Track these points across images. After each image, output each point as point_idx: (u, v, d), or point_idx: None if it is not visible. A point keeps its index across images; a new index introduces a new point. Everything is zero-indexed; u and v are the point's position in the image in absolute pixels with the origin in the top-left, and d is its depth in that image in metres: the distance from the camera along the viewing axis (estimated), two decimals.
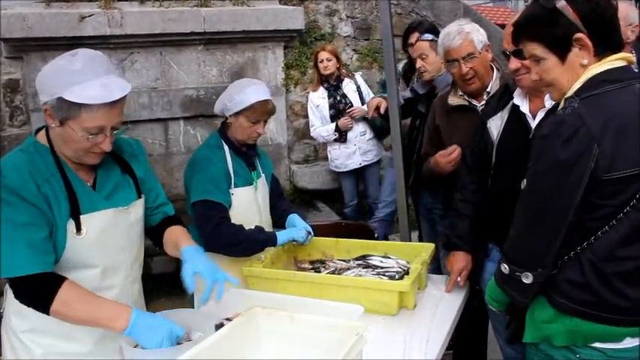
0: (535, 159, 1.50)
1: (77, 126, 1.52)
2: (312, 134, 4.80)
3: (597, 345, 1.52)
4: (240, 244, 2.25)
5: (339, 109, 4.58)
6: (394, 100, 2.77)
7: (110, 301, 1.61)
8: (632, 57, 1.54)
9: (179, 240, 1.83)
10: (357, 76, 4.78)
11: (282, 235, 2.34)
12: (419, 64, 3.48)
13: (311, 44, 5.29)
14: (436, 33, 3.67)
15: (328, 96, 4.61)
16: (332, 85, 4.61)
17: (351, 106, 4.56)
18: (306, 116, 5.36)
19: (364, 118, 4.50)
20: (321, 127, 4.63)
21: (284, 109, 5.17)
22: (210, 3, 4.78)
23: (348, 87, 4.63)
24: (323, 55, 4.54)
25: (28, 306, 1.56)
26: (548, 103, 1.98)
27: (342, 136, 4.57)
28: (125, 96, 1.55)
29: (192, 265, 1.71)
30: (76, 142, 1.56)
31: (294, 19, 4.93)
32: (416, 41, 3.70)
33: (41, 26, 4.20)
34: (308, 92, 5.32)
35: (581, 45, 1.49)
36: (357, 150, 4.60)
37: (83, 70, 1.49)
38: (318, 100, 4.64)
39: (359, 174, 4.75)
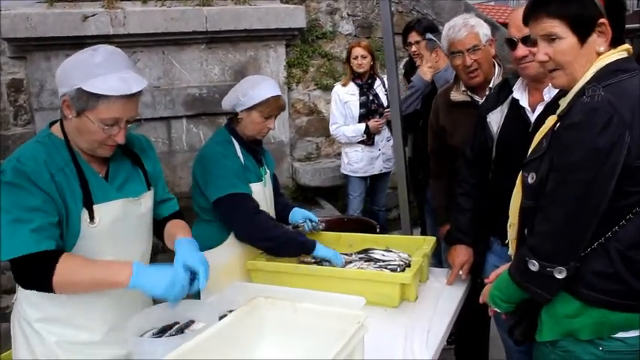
0: (566, 149, 1.46)
1: (94, 117, 1.58)
2: (332, 132, 4.48)
3: (620, 335, 1.52)
4: (276, 239, 2.24)
5: (370, 109, 4.31)
6: (395, 94, 2.80)
7: (109, 260, 1.64)
8: (631, 48, 1.55)
9: (176, 232, 1.84)
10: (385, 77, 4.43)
11: (321, 249, 2.28)
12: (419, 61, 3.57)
13: (312, 43, 5.32)
14: (435, 31, 3.72)
15: (360, 94, 4.33)
16: (365, 82, 4.34)
17: (383, 107, 4.29)
18: (309, 114, 5.40)
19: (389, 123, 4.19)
20: (346, 127, 4.33)
21: (286, 107, 5.19)
22: (213, 2, 4.81)
23: (380, 87, 4.36)
24: (357, 51, 4.28)
25: (31, 288, 1.59)
26: (547, 96, 2.00)
27: (370, 138, 4.31)
28: (141, 91, 1.62)
29: (182, 256, 1.67)
30: (91, 133, 1.61)
31: (295, 17, 4.95)
32: (416, 41, 3.76)
33: (45, 26, 4.23)
34: (310, 90, 5.36)
35: (601, 31, 1.49)
36: (380, 155, 4.36)
37: (103, 63, 1.56)
38: (347, 96, 4.35)
39: (370, 180, 4.50)
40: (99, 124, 1.58)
